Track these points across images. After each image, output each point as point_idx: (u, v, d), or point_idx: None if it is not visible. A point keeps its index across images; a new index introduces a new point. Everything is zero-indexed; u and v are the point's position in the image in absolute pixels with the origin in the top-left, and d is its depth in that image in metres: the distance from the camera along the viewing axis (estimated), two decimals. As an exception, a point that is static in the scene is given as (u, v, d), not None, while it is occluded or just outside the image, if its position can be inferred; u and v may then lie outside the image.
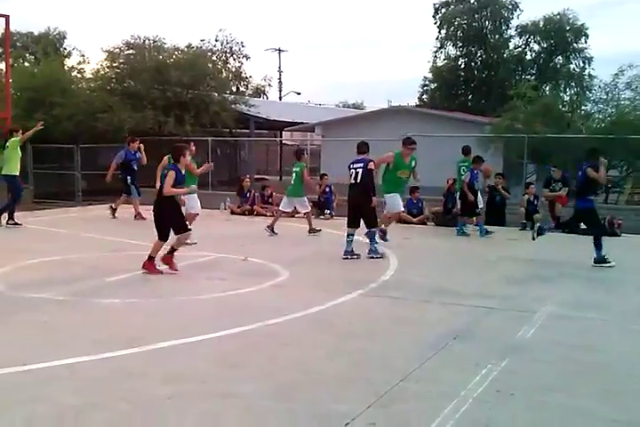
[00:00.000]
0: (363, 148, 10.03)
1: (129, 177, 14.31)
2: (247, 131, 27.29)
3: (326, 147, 24.18)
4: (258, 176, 30.79)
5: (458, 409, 4.11)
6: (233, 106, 24.78)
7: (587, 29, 37.64)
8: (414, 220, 13.93)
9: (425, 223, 14.06)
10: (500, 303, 6.86)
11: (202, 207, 16.31)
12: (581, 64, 37.69)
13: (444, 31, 39.54)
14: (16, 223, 12.75)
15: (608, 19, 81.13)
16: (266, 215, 15.23)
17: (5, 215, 12.80)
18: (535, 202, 13.62)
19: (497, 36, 39.21)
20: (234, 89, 47.06)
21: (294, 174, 12.30)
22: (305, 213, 12.53)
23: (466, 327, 5.97)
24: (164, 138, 21.19)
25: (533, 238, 9.79)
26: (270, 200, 15.77)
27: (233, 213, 15.63)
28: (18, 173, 12.86)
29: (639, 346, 5.58)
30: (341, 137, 22.62)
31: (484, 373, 4.76)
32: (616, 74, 18.14)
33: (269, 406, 4.17)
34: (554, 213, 13.07)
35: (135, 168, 14.48)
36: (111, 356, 5.04)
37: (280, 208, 12.57)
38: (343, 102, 63.90)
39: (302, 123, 26.37)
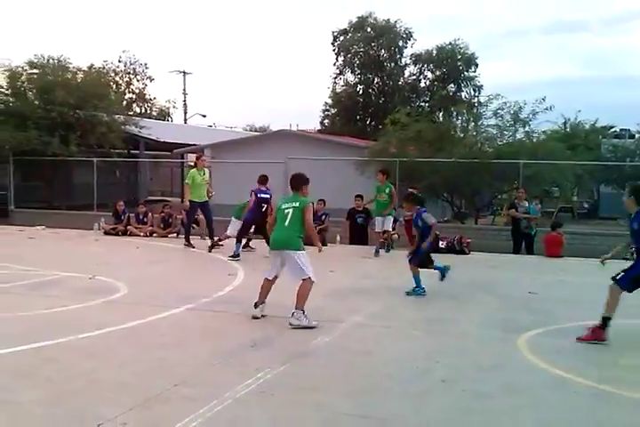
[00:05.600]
0: None
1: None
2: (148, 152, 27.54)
3: (216, 169, 24.47)
4: (153, 198, 30.70)
5: (212, 409, 4.43)
6: (123, 127, 24.73)
7: (477, 59, 39.71)
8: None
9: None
10: (313, 314, 7.24)
11: (78, 228, 16.46)
12: (472, 92, 39.61)
13: (341, 58, 40.77)
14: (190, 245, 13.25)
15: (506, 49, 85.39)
16: (139, 235, 15.34)
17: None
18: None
19: (393, 64, 40.70)
20: (137, 110, 47.03)
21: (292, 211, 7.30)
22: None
23: (269, 337, 6.34)
24: (47, 158, 21.08)
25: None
26: (145, 220, 15.89)
27: (106, 233, 15.65)
28: (197, 200, 13.43)
29: (407, 349, 6.11)
30: (231, 159, 22.99)
31: (259, 376, 5.11)
32: (479, 102, 19.32)
33: (36, 411, 4.39)
34: (410, 231, 13.68)
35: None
36: None
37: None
38: (250, 126, 64.38)
39: (194, 144, 26.59)
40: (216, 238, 12.85)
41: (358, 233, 14.34)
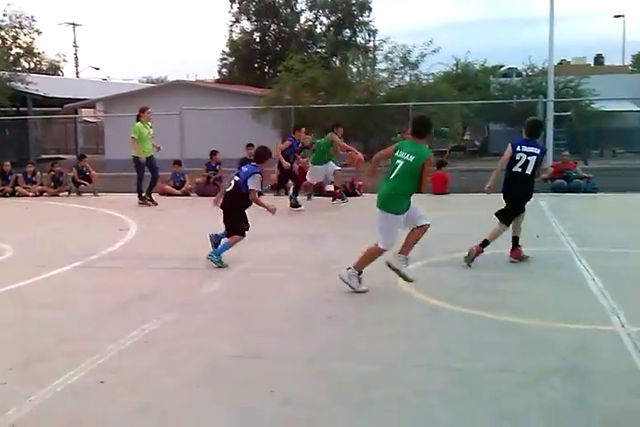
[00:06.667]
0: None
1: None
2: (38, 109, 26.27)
3: (109, 123, 23.75)
4: (47, 156, 29.55)
5: (95, 362, 4.43)
6: (8, 84, 23.48)
7: (370, 3, 39.68)
8: (178, 191, 14.29)
9: (188, 194, 14.42)
10: (201, 264, 7.29)
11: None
12: (367, 37, 39.68)
13: (236, 5, 39.78)
14: (145, 203, 12.96)
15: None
16: (28, 195, 14.82)
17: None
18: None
19: (288, 10, 40.05)
20: (26, 66, 44.48)
21: None
22: None
23: (157, 289, 6.35)
24: None
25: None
26: (34, 179, 15.34)
27: (-7, 196, 15.05)
28: (139, 155, 12.87)
29: (298, 291, 6.27)
30: (125, 113, 22.27)
31: (144, 327, 5.13)
32: (374, 46, 19.45)
33: None
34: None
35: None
36: None
37: None
38: (147, 77, 62.19)
39: (85, 99, 25.58)
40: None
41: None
